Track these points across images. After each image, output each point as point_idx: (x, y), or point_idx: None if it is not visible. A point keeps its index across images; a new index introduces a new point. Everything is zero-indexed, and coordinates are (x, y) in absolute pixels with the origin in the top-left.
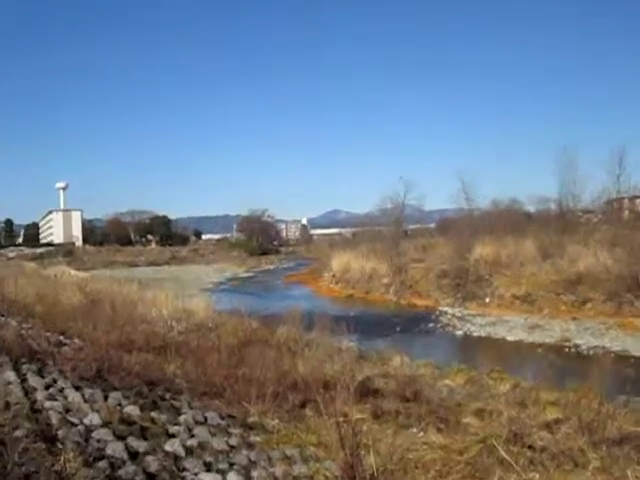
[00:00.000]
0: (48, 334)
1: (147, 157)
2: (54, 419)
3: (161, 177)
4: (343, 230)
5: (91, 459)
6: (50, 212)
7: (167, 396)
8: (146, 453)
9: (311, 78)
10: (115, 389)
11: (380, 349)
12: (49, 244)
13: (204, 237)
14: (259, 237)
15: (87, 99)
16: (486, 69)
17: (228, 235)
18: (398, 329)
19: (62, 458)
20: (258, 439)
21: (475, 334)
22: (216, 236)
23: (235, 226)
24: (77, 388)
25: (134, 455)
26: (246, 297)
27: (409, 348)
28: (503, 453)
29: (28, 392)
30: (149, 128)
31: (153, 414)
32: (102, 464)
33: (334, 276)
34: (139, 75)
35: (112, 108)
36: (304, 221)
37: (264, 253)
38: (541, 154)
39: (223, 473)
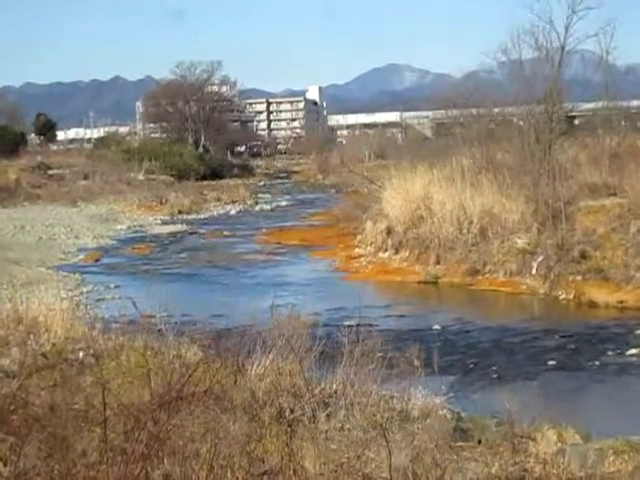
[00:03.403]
0: None
1: None
2: None
3: None
4: (410, 116)
5: None
6: None
7: None
8: None
9: None
10: None
11: (506, 412)
12: None
13: (64, 135)
14: (201, 136)
15: None
16: None
17: (123, 130)
18: (552, 362)
19: None
20: None
21: None
22: (92, 132)
23: (140, 107)
24: None
25: None
26: (171, 285)
27: (579, 409)
28: None
29: None
30: None
31: None
32: None
33: (389, 232)
34: None
35: None
36: (312, 94)
37: (214, 175)
38: None
39: None
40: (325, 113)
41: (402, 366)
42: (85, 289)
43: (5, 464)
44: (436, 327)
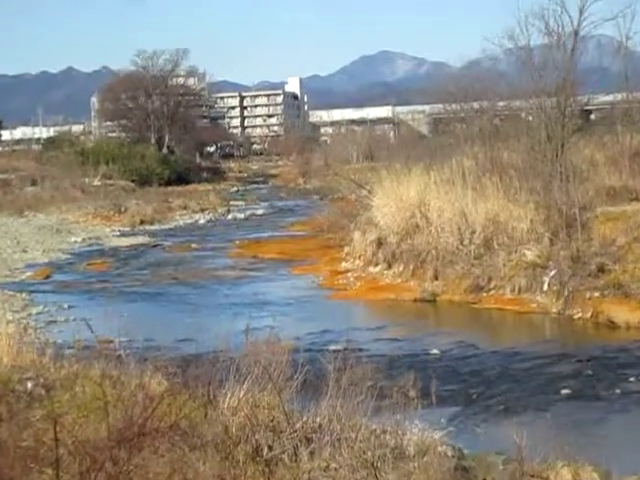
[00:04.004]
0: None
1: None
2: None
3: None
4: (404, 111)
5: None
6: None
7: None
8: None
9: None
10: None
11: (514, 448)
12: None
13: (9, 135)
14: (165, 135)
15: None
16: None
17: (77, 129)
18: (566, 391)
19: None
20: None
21: None
22: (41, 132)
23: (96, 102)
24: None
25: None
26: (132, 306)
27: (597, 443)
28: None
29: None
30: None
31: None
32: None
33: (381, 244)
34: None
35: None
36: (292, 87)
37: (180, 179)
38: None
39: None
40: (306, 108)
41: (396, 396)
42: (34, 310)
43: None
44: (434, 352)
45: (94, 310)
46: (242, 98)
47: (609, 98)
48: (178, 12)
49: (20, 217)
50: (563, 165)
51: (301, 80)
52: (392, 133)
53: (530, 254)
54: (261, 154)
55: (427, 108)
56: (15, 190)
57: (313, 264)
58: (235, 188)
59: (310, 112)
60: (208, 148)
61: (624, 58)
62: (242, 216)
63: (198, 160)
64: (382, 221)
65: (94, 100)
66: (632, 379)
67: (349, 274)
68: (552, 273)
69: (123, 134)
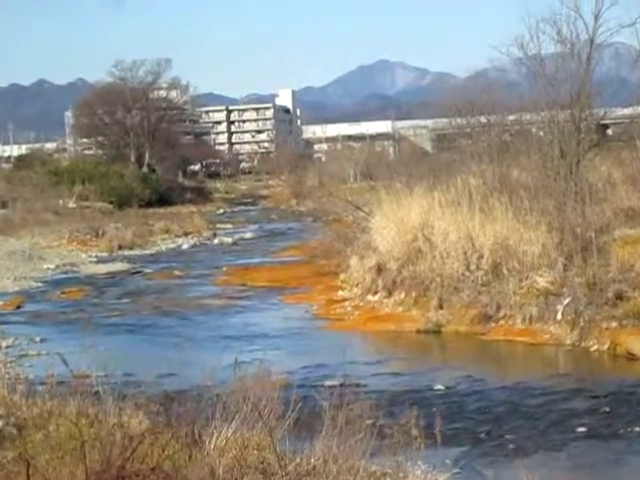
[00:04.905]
0: None
1: None
2: None
3: None
4: (405, 125)
5: None
6: None
7: None
8: None
9: None
10: None
11: None
12: None
13: None
14: (146, 152)
15: None
16: None
17: (50, 146)
18: (581, 429)
19: None
20: None
21: None
22: (12, 149)
23: (70, 117)
24: None
25: None
26: (110, 338)
27: None
28: None
29: None
30: None
31: None
32: None
33: (380, 270)
34: None
35: None
36: (283, 100)
37: (162, 200)
38: None
39: None
40: (299, 123)
41: (397, 436)
42: (4, 343)
43: None
44: (439, 387)
45: (69, 342)
46: (229, 112)
47: (628, 111)
48: (159, 20)
49: None
50: (578, 184)
51: (293, 92)
52: (392, 150)
53: (542, 281)
54: (250, 173)
55: (430, 123)
56: None
57: (307, 292)
58: (222, 210)
59: (303, 127)
60: (192, 167)
61: None
62: (229, 240)
63: (181, 179)
64: (381, 245)
65: (68, 115)
66: None
67: (346, 303)
68: (566, 301)
69: (100, 152)
